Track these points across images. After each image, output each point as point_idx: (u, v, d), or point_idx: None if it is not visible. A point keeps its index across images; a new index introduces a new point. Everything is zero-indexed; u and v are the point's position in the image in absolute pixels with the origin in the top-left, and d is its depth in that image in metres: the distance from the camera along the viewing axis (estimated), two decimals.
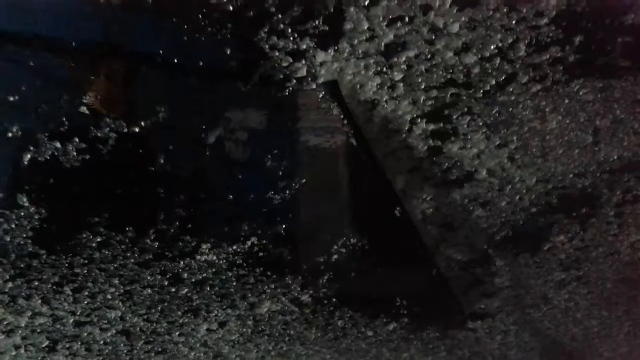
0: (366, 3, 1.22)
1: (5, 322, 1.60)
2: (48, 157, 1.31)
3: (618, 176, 1.69)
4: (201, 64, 1.32)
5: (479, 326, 2.14)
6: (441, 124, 1.48)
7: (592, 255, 1.93)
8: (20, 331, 1.63)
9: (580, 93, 1.44)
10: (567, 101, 1.45)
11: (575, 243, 1.87)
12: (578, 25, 1.28)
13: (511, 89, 1.39)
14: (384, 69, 1.35)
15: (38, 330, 1.66)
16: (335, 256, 1.73)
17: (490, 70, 1.35)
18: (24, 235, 1.42)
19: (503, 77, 1.37)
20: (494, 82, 1.37)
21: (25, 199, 1.36)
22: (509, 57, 1.33)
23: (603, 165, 1.65)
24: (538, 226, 1.82)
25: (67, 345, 1.74)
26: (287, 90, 1.36)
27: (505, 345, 2.27)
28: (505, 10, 1.23)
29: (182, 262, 1.59)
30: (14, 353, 1.69)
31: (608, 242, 1.89)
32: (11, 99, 1.25)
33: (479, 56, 1.31)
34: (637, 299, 2.15)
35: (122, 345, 1.80)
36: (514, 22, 1.25)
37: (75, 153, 1.32)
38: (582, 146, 1.59)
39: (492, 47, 1.29)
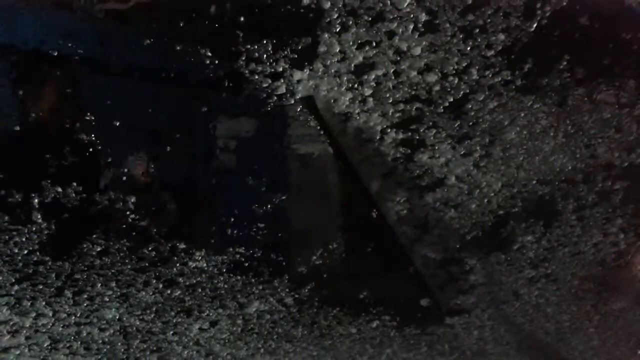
0: (337, 30, 1.40)
1: (11, 323, 1.75)
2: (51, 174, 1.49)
3: (576, 183, 1.86)
4: (189, 86, 1.50)
5: (456, 322, 2.29)
6: (409, 134, 1.65)
7: (558, 254, 2.10)
8: (24, 331, 1.78)
9: (534, 108, 1.62)
10: (522, 115, 1.63)
11: (542, 243, 2.04)
12: (525, 54, 1.47)
13: (470, 105, 1.58)
14: (355, 86, 1.53)
15: (41, 331, 1.80)
16: (317, 258, 1.88)
17: (449, 89, 1.53)
18: (31, 246, 1.59)
19: (461, 95, 1.56)
20: (452, 98, 1.55)
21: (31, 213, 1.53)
22: (464, 77, 1.52)
23: (561, 173, 1.83)
24: (507, 227, 1.99)
25: (68, 345, 1.88)
26: (268, 106, 1.54)
27: (482, 340, 2.43)
28: (460, 36, 1.42)
29: (175, 269, 1.75)
30: (18, 352, 1.83)
31: (572, 243, 2.06)
32: None
33: (439, 75, 1.49)
34: (603, 295, 2.31)
35: (119, 344, 1.94)
36: (468, 48, 1.43)
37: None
38: (540, 155, 1.77)
39: (450, 68, 1.47)
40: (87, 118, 1.49)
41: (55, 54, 1.40)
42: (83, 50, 1.42)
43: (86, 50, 1.43)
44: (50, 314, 1.76)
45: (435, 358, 2.41)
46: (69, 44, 1.41)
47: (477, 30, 1.42)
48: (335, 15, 1.37)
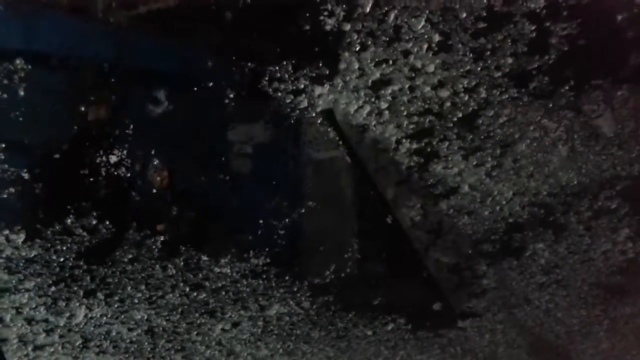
0: (357, 49, 1.53)
1: (47, 322, 1.88)
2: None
3: (583, 195, 1.98)
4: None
5: (468, 325, 2.40)
6: (423, 144, 1.78)
7: (568, 261, 2.21)
8: (58, 330, 1.91)
9: (542, 122, 1.74)
10: (531, 128, 1.76)
11: (552, 250, 2.15)
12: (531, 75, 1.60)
13: (480, 120, 1.71)
14: (372, 100, 1.66)
15: (74, 330, 1.93)
16: (335, 263, 2.00)
17: (459, 105, 1.66)
18: (69, 253, 1.73)
19: (471, 110, 1.68)
20: (461, 114, 1.68)
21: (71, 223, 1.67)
22: (473, 94, 1.64)
23: (569, 185, 1.94)
24: (519, 234, 2.10)
25: (98, 344, 2.01)
26: (292, 119, 1.67)
27: (493, 343, 2.53)
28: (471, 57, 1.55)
29: (200, 274, 1.88)
30: (52, 350, 1.96)
31: (582, 251, 2.16)
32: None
33: (451, 91, 1.62)
34: (612, 301, 2.41)
35: (146, 343, 2.07)
36: (478, 68, 1.56)
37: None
38: (548, 167, 1.89)
39: (460, 86, 1.60)
40: (118, 127, 1.62)
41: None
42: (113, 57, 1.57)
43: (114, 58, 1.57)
44: (83, 315, 1.89)
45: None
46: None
47: (488, 53, 1.55)
48: (355, 36, 1.50)
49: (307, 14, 1.49)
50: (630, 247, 2.15)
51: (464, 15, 1.50)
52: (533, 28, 1.56)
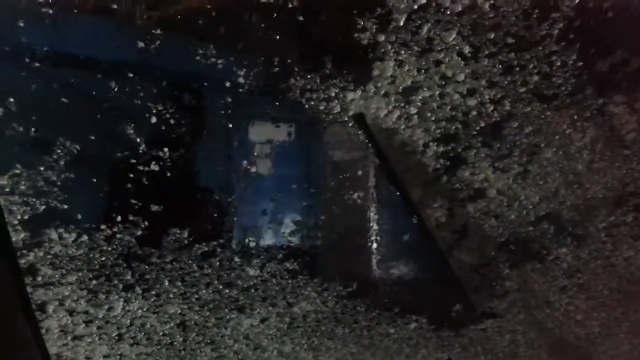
0: (391, 57, 1.66)
1: (86, 314, 2.02)
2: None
3: (607, 202, 2.08)
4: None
5: (489, 325, 2.50)
6: (449, 148, 1.90)
7: (591, 266, 2.31)
8: (97, 321, 2.05)
9: (568, 132, 1.86)
10: (557, 138, 1.87)
11: (576, 255, 2.25)
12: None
13: (505, 130, 1.83)
14: (402, 105, 1.78)
15: (111, 322, 2.07)
16: (361, 262, 2.11)
17: (484, 114, 1.78)
18: (112, 253, 1.88)
19: (496, 120, 1.81)
20: (484, 123, 1.80)
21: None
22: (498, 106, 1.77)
23: (594, 192, 2.05)
24: (544, 238, 2.21)
25: (133, 335, 2.14)
26: (325, 123, 1.80)
27: (514, 343, 2.62)
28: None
29: (233, 274, 2.01)
30: (89, 340, 2.09)
31: (604, 257, 2.27)
32: None
33: (479, 100, 1.74)
34: (632, 305, 2.50)
35: (177, 336, 2.19)
36: (505, 82, 1.69)
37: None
38: (574, 175, 2.00)
39: (486, 96, 1.72)
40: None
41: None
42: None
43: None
44: (121, 307, 2.03)
45: (469, 359, 2.60)
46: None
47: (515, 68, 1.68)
48: (389, 47, 1.63)
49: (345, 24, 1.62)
50: None
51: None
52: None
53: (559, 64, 1.72)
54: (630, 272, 2.33)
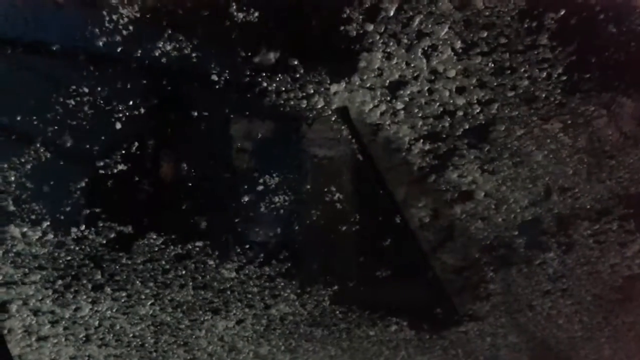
0: (379, 49, 1.61)
1: (52, 314, 1.94)
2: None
3: (597, 207, 2.07)
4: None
5: (470, 328, 2.48)
6: (436, 146, 1.86)
7: (576, 272, 2.29)
8: (63, 322, 1.97)
9: (559, 135, 1.83)
10: (548, 141, 1.84)
11: (562, 261, 2.24)
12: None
13: (494, 133, 1.80)
14: (388, 99, 1.73)
15: (78, 323, 1.99)
16: (340, 263, 2.07)
17: (473, 113, 1.75)
18: (81, 252, 1.81)
19: (485, 121, 1.78)
20: (473, 124, 1.78)
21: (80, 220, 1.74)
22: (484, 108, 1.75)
23: (584, 197, 2.04)
24: (531, 242, 2.19)
25: (101, 337, 2.07)
26: (308, 119, 1.74)
27: (495, 346, 2.61)
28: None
29: (208, 276, 1.95)
30: (55, 341, 2.02)
31: (591, 263, 2.25)
32: None
33: (467, 100, 1.70)
34: (615, 311, 2.50)
35: (149, 338, 2.13)
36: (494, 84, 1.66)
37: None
38: (563, 179, 1.98)
39: (475, 97, 1.69)
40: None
41: None
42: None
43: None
44: (89, 308, 1.95)
45: None
46: None
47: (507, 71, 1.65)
48: (377, 37, 1.58)
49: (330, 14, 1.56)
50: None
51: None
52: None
53: (549, 68, 1.70)
54: (614, 278, 2.31)
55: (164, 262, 1.90)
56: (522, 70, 1.70)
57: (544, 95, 1.78)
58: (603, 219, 2.10)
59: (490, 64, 1.66)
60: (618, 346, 2.67)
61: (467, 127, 1.80)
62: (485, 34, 1.61)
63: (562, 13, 1.59)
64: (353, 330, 2.31)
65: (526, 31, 1.61)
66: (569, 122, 1.84)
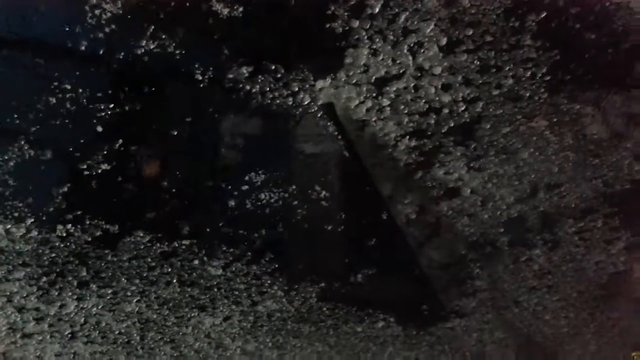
0: (365, 45, 1.61)
1: (37, 311, 1.93)
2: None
3: (582, 205, 2.08)
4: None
5: (457, 324, 2.49)
6: (422, 142, 1.86)
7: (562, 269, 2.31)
8: (48, 319, 1.96)
9: (545, 134, 1.84)
10: (534, 139, 1.85)
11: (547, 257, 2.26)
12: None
13: (479, 130, 1.81)
14: (374, 96, 1.73)
15: (64, 320, 1.98)
16: (327, 259, 2.07)
17: (459, 112, 1.77)
18: (67, 249, 1.80)
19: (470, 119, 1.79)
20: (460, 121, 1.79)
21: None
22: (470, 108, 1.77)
23: (569, 195, 2.05)
24: (517, 239, 2.20)
25: (87, 334, 2.06)
26: (295, 117, 1.74)
27: (481, 342, 2.62)
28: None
29: (194, 274, 1.95)
30: (40, 338, 2.01)
31: (576, 260, 2.27)
32: None
33: (452, 97, 1.71)
34: (600, 307, 2.53)
35: (135, 334, 2.12)
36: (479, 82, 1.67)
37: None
38: (549, 176, 1.99)
39: (460, 94, 1.70)
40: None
41: None
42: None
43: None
44: (74, 305, 1.94)
45: (436, 357, 2.59)
46: None
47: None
48: (363, 33, 1.58)
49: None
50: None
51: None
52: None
53: (533, 67, 1.71)
54: (599, 275, 2.33)
55: (149, 260, 1.89)
56: (507, 68, 1.70)
57: (528, 94, 1.79)
58: (586, 218, 2.12)
59: (476, 61, 1.66)
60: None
61: (452, 124, 1.81)
62: (471, 32, 1.62)
63: (545, 14, 1.60)
64: (340, 326, 2.31)
65: (511, 30, 1.62)
66: (555, 120, 1.85)
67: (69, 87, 1.61)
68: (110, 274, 1.88)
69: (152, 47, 1.60)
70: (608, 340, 2.70)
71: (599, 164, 1.99)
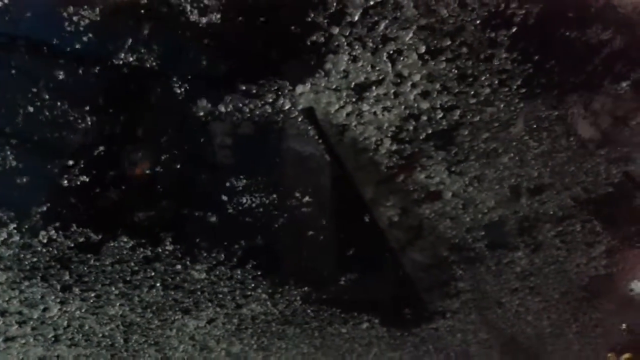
0: (345, 51, 1.62)
1: (20, 314, 1.93)
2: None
3: (561, 208, 2.11)
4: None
5: (441, 324, 2.51)
6: (402, 147, 1.88)
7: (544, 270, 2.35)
8: (31, 322, 1.96)
9: (525, 139, 1.86)
10: (514, 144, 1.87)
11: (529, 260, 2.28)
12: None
13: (458, 135, 1.83)
14: (354, 101, 1.75)
15: (47, 323, 1.99)
16: (311, 262, 2.09)
17: (437, 118, 1.79)
18: (50, 252, 1.80)
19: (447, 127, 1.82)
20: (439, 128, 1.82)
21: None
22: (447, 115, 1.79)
23: (549, 199, 2.07)
24: (499, 242, 2.22)
25: (70, 337, 2.07)
26: (276, 122, 1.76)
27: (465, 342, 2.65)
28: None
29: (178, 278, 1.96)
30: (23, 341, 2.01)
31: (558, 262, 2.30)
32: None
33: (430, 105, 1.73)
34: (582, 307, 2.56)
35: (119, 337, 2.13)
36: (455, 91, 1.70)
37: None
38: (529, 181, 2.01)
39: (438, 102, 1.72)
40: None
41: None
42: None
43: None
44: (57, 308, 1.95)
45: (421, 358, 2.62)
46: None
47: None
48: (343, 40, 1.60)
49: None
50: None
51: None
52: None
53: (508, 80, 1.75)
54: (581, 276, 2.36)
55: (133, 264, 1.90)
56: (484, 78, 1.73)
57: (504, 102, 1.82)
58: (566, 221, 2.14)
59: (454, 70, 1.68)
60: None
61: (430, 131, 1.83)
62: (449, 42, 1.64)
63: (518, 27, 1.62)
64: (325, 328, 2.33)
65: (488, 40, 1.64)
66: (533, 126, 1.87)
67: (47, 96, 1.61)
68: (93, 277, 1.89)
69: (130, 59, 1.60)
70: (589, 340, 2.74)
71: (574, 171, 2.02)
